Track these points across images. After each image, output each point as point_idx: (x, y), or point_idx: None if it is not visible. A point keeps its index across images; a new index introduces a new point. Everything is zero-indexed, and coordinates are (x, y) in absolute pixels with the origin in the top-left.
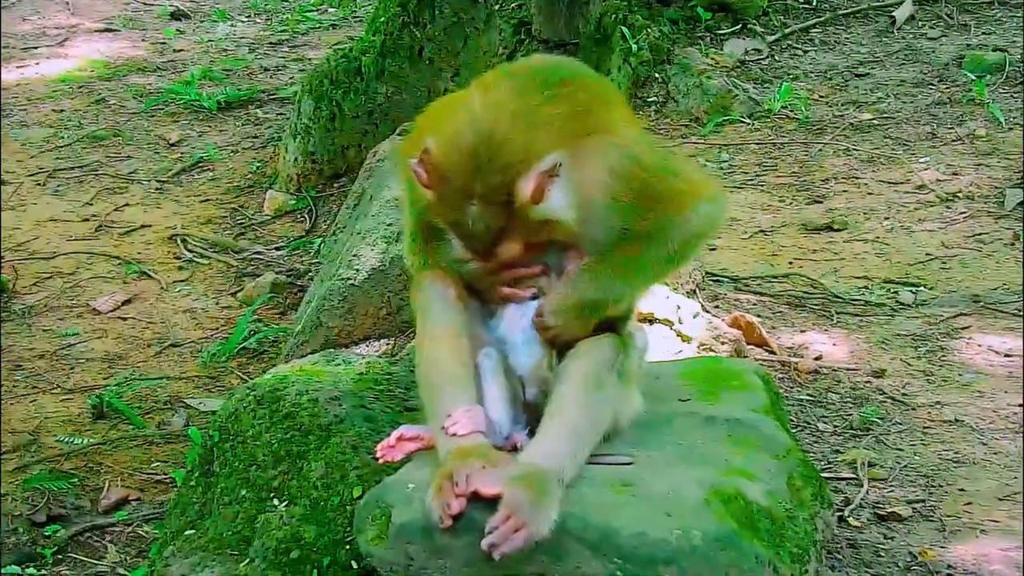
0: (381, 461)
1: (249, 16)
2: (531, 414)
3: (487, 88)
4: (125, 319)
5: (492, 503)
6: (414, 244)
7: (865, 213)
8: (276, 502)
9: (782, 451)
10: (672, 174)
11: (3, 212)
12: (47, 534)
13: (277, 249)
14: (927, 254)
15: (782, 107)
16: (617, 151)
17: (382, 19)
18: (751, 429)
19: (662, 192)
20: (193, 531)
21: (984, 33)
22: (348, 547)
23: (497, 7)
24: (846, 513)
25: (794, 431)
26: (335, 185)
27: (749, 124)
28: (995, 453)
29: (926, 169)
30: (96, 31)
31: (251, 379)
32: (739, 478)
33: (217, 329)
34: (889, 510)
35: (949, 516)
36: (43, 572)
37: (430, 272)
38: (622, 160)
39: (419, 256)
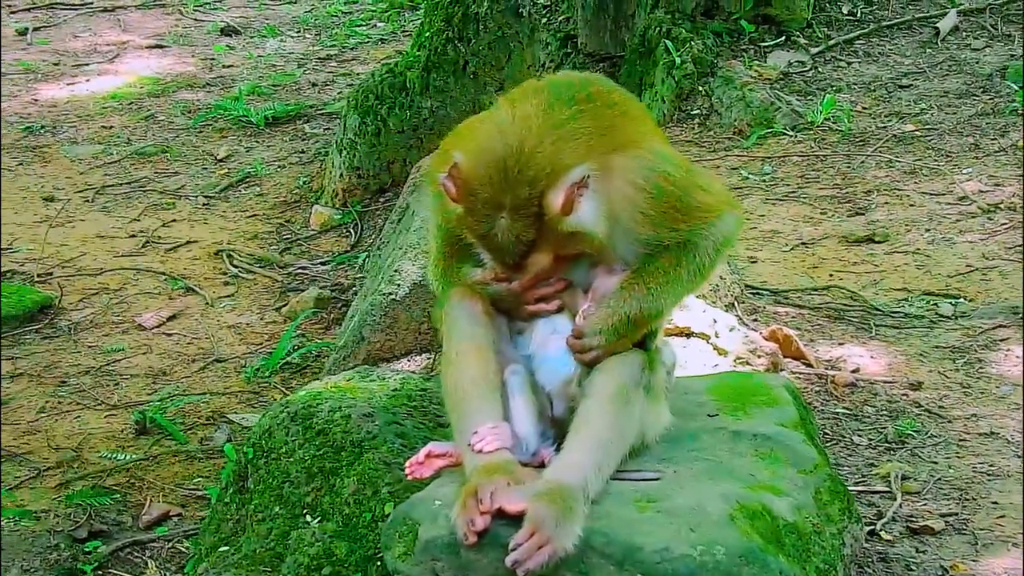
0: (410, 478)
1: (299, 31)
2: (559, 430)
3: (514, 103)
4: (170, 335)
5: (517, 520)
6: (439, 265)
7: (906, 225)
8: (309, 518)
9: (809, 465)
10: (696, 188)
11: (52, 229)
12: (87, 550)
13: (322, 264)
14: (968, 266)
15: (825, 119)
16: (644, 165)
17: (427, 34)
18: (778, 444)
19: (687, 205)
20: (227, 547)
21: None
22: (379, 563)
23: (544, 20)
24: (878, 527)
25: (828, 444)
26: (380, 200)
27: (792, 136)
28: None
29: (968, 180)
30: (147, 47)
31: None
32: (765, 493)
33: (261, 344)
34: (921, 523)
35: (982, 530)
36: None
37: (457, 289)
38: (649, 174)
39: (444, 278)
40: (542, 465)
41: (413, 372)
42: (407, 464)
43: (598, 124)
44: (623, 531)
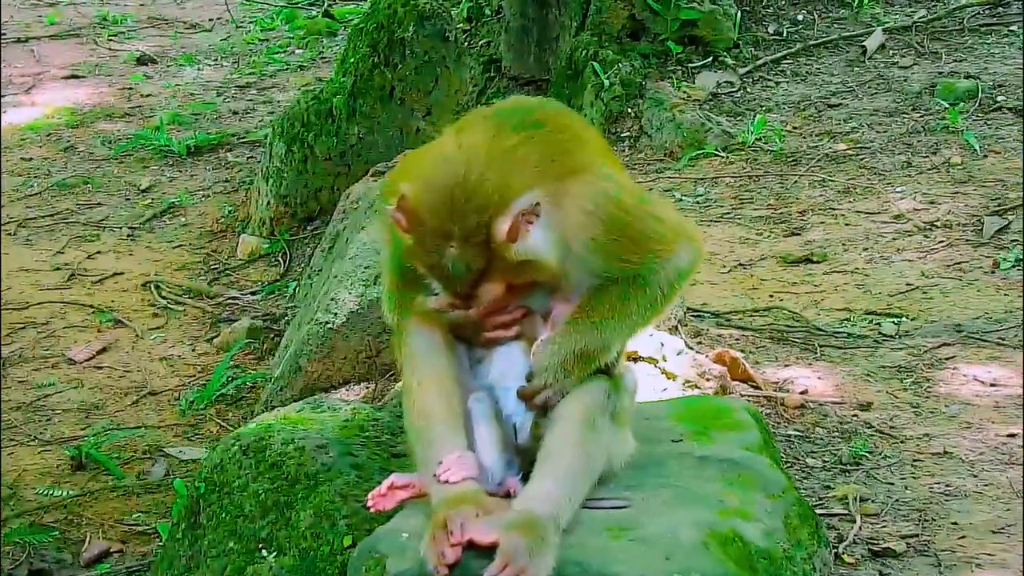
0: (372, 510)
1: (216, 59)
2: (523, 458)
3: (461, 131)
4: (101, 368)
5: (488, 551)
6: (392, 296)
7: (844, 244)
8: (265, 553)
9: (778, 490)
10: (651, 216)
11: None
12: None
13: (252, 294)
14: (908, 284)
15: (756, 139)
16: (596, 191)
17: (352, 60)
18: (745, 468)
19: (641, 233)
20: None
21: (955, 60)
22: None
23: (466, 45)
24: (840, 550)
25: (783, 467)
26: (308, 228)
27: (723, 157)
28: (986, 485)
29: (903, 199)
30: (62, 78)
31: (231, 426)
32: (736, 518)
33: (194, 376)
34: (883, 546)
35: (944, 550)
36: None
37: (416, 317)
38: (601, 200)
39: (399, 308)
40: (508, 495)
41: (364, 402)
42: (369, 496)
43: (548, 150)
44: (597, 560)
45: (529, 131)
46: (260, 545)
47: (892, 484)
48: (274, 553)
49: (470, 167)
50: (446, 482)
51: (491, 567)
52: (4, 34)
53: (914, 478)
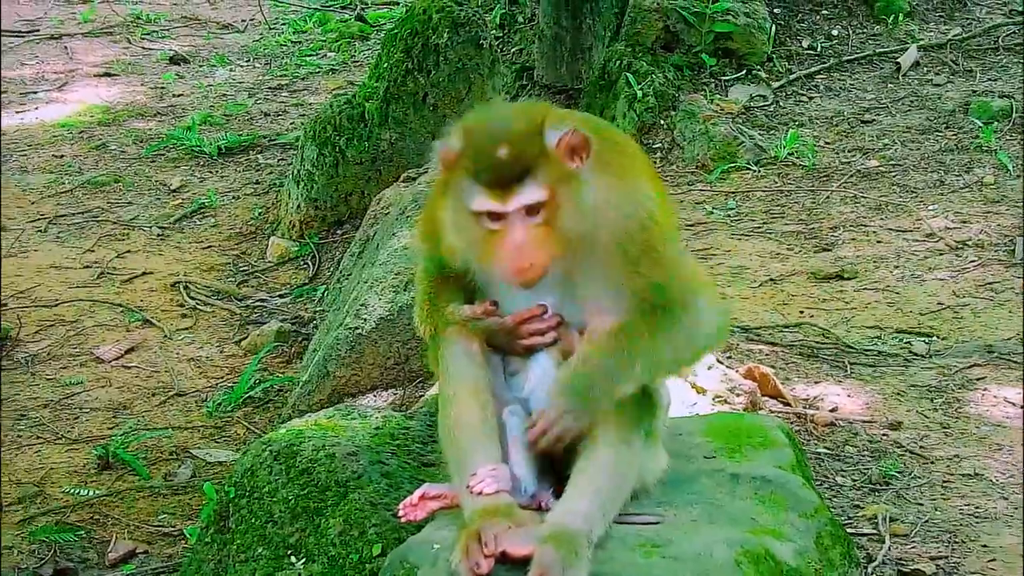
0: (403, 520)
1: (248, 60)
2: (556, 471)
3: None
4: (129, 368)
5: (520, 564)
6: (424, 308)
7: (874, 261)
8: (293, 559)
9: (810, 509)
10: (677, 255)
11: (4, 259)
12: None
13: (280, 296)
14: (938, 303)
15: (788, 154)
16: (640, 198)
17: (385, 65)
18: (778, 487)
19: (663, 257)
20: None
21: (989, 79)
22: None
23: (498, 52)
24: (870, 570)
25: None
26: (338, 232)
27: (755, 171)
28: (1016, 508)
29: (935, 217)
30: (95, 76)
31: (258, 429)
32: (768, 537)
33: (222, 378)
34: (913, 567)
35: (973, 573)
36: None
37: (453, 329)
38: (641, 211)
39: (431, 319)
40: (540, 508)
41: (393, 409)
42: (400, 506)
43: (603, 144)
44: None
45: (589, 117)
46: (289, 551)
47: (922, 505)
48: (303, 560)
49: (521, 105)
50: (479, 494)
51: None
52: (38, 31)
53: (944, 499)
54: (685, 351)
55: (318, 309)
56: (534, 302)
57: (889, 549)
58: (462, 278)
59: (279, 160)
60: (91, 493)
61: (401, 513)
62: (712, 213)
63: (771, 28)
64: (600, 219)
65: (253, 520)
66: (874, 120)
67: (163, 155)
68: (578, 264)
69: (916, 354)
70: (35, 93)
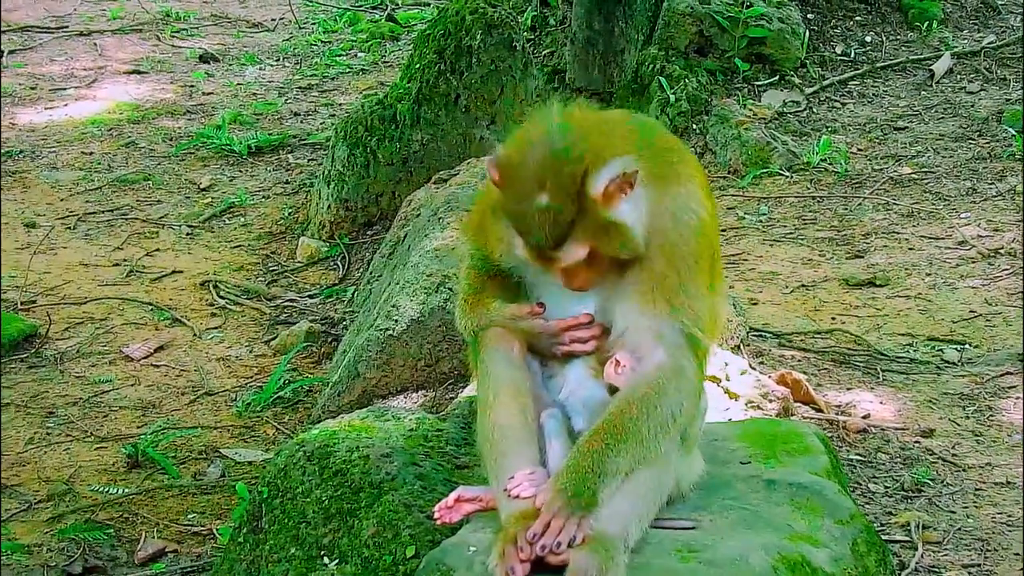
0: (439, 522)
1: (278, 60)
2: None
3: (567, 105)
4: (158, 366)
5: (557, 569)
6: (467, 303)
7: (907, 269)
8: (326, 560)
9: (846, 516)
10: (706, 287)
11: (34, 256)
12: None
13: (310, 297)
14: (971, 311)
15: (821, 160)
16: (693, 205)
17: (417, 66)
18: (814, 493)
19: (699, 270)
20: None
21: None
22: None
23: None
24: None
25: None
26: (368, 232)
27: (788, 177)
28: None
29: (967, 225)
30: (125, 73)
31: (287, 429)
32: (804, 544)
33: (251, 378)
34: (945, 575)
35: None
36: None
37: (494, 331)
38: (692, 218)
39: (472, 315)
40: None
41: (427, 411)
42: (436, 508)
43: (654, 148)
44: None
45: (641, 124)
46: (322, 552)
47: (954, 512)
48: (336, 561)
49: (572, 126)
50: (517, 497)
51: None
52: (67, 27)
53: (976, 507)
54: (670, 429)
55: (347, 310)
56: (579, 306)
57: (922, 556)
58: (509, 277)
59: (309, 160)
60: (120, 491)
61: (436, 515)
62: (744, 218)
63: (805, 34)
64: (649, 226)
65: (286, 520)
66: (907, 127)
67: (192, 153)
68: (636, 252)
69: (948, 362)
70: (64, 90)
